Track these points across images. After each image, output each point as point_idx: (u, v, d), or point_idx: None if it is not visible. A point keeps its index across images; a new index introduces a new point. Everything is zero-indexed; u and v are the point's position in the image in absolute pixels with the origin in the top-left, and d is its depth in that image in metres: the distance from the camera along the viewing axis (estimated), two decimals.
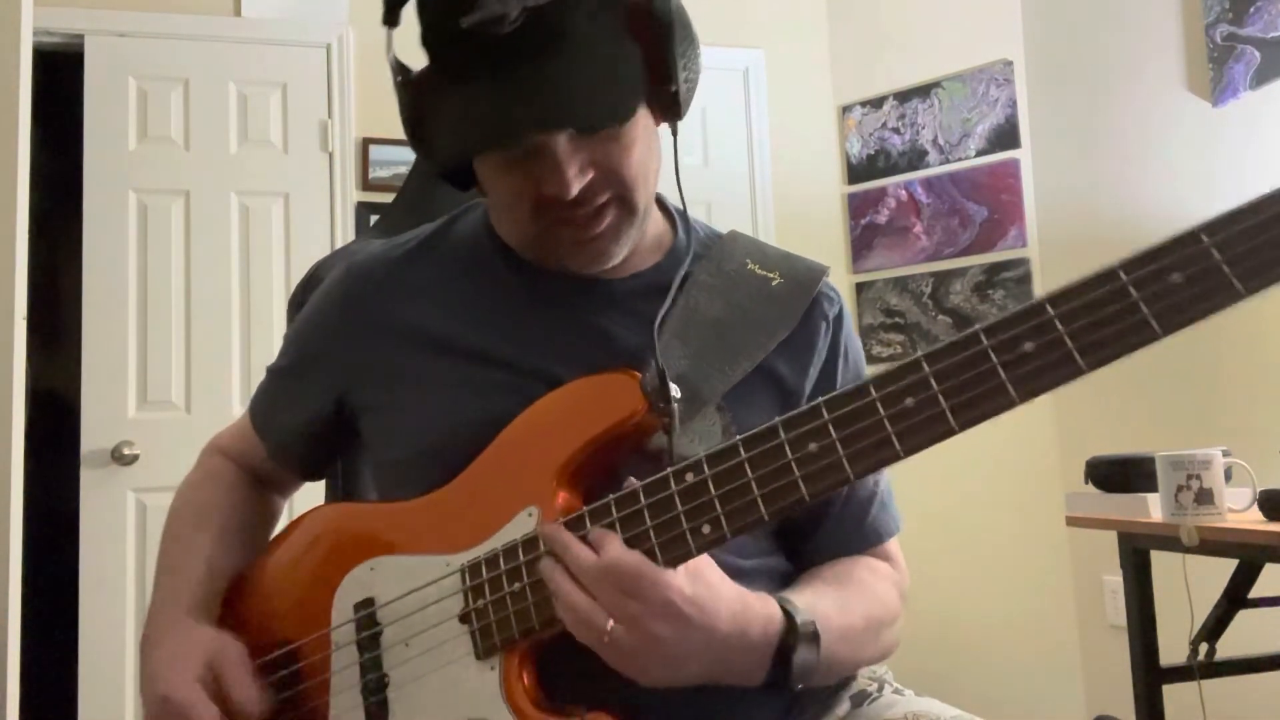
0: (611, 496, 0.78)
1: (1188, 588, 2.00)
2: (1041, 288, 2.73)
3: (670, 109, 0.87)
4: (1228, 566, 2.00)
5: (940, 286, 3.20)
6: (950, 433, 0.68)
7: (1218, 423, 2.44)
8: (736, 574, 0.79)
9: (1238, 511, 1.82)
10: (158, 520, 1.01)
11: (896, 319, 3.27)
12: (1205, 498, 1.78)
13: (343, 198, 3.00)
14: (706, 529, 0.74)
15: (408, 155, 2.86)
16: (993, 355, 0.67)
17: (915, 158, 3.29)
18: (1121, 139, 2.80)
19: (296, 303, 1.31)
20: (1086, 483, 2.08)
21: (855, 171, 3.41)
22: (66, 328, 3.03)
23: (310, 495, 1.17)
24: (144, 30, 2.92)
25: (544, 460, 0.83)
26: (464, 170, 0.90)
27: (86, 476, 2.74)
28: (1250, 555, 1.87)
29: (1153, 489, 1.90)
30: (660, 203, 0.99)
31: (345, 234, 2.97)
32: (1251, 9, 2.40)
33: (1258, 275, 0.61)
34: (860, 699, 0.94)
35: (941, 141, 3.24)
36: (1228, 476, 1.82)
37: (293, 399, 1.01)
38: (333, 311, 0.97)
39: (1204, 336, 2.49)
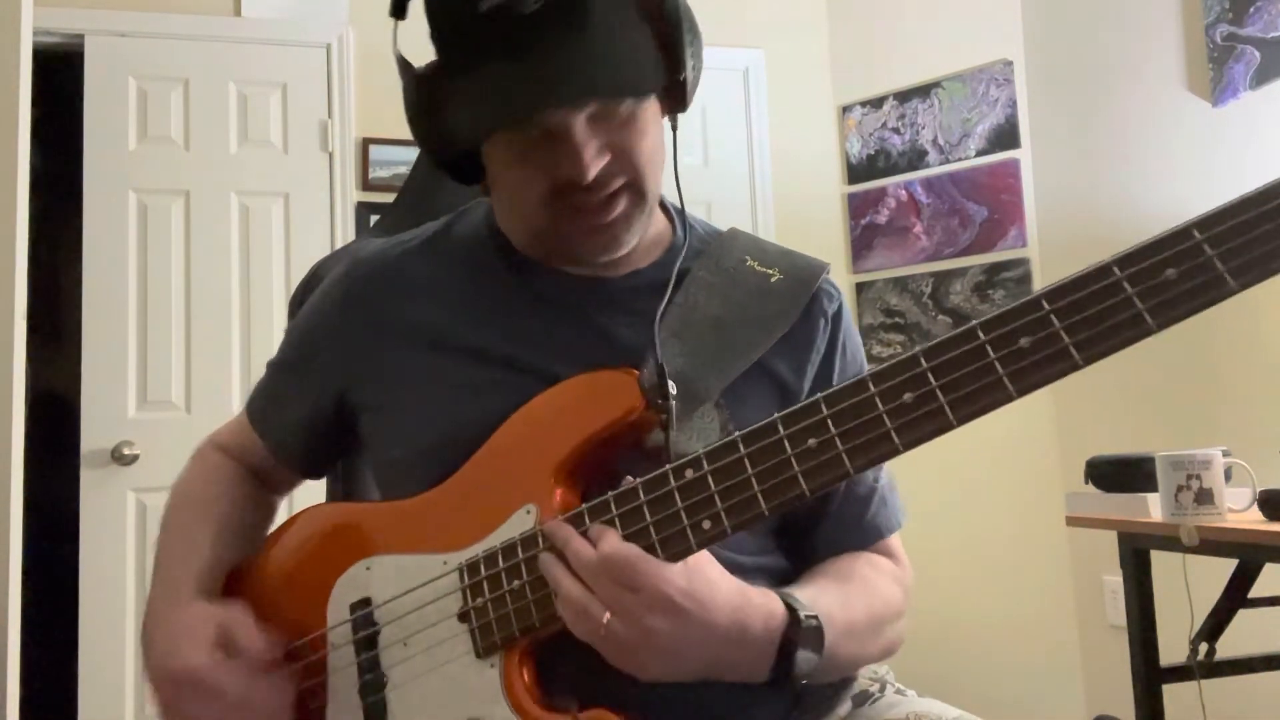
0: (611, 493, 0.78)
1: (1188, 588, 2.00)
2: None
3: (676, 100, 0.88)
4: (1228, 566, 1.99)
5: (940, 286, 3.20)
6: (948, 427, 0.69)
7: (1218, 423, 2.44)
8: (735, 571, 0.79)
9: (1238, 511, 1.82)
10: (158, 520, 1.01)
11: (896, 319, 3.27)
12: (1205, 498, 1.78)
13: (343, 198, 3.00)
14: (706, 524, 0.75)
15: (408, 155, 2.86)
16: (990, 350, 0.68)
17: (915, 158, 3.29)
18: (1121, 139, 2.80)
19: (297, 303, 1.31)
20: (1086, 483, 2.08)
21: (855, 171, 3.41)
22: (66, 328, 3.03)
23: (311, 495, 1.17)
24: (144, 30, 2.92)
25: (542, 458, 0.83)
26: (472, 163, 0.90)
27: (86, 476, 2.74)
28: (1250, 555, 1.87)
29: (1153, 489, 1.90)
30: (659, 201, 0.99)
31: (345, 234, 2.97)
32: (1251, 9, 2.40)
33: (1249, 270, 0.63)
34: (862, 699, 0.94)
35: (941, 141, 3.24)
36: (1228, 476, 1.82)
37: (293, 395, 1.00)
38: (334, 309, 0.97)
39: (1204, 336, 2.50)
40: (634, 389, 0.82)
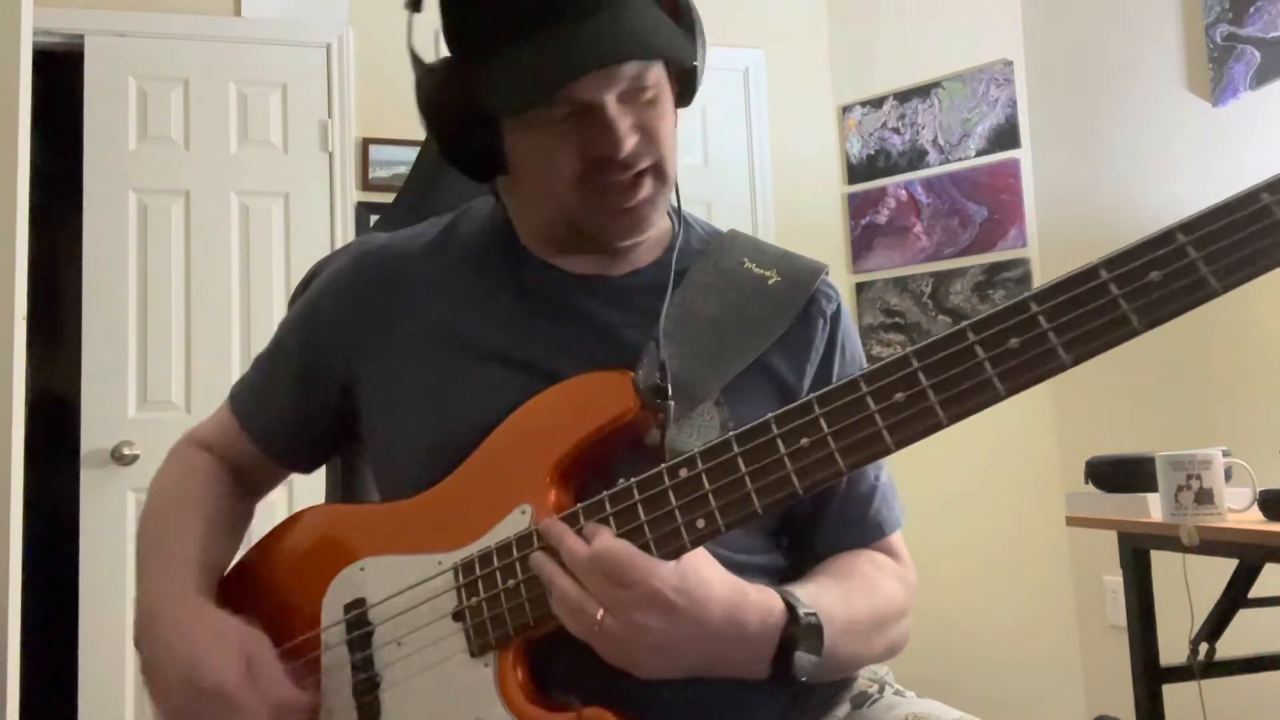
0: (606, 493, 0.79)
1: (1188, 588, 2.00)
2: None
3: (684, 90, 0.91)
4: (1228, 566, 1.99)
5: (940, 286, 3.20)
6: (939, 426, 0.70)
7: (1218, 423, 2.44)
8: (735, 570, 0.79)
9: (1238, 511, 1.81)
10: None
11: (896, 319, 3.27)
12: (1205, 498, 1.78)
13: (343, 198, 3.00)
14: (701, 522, 0.75)
15: (408, 155, 2.87)
16: (979, 350, 0.69)
17: (915, 158, 3.29)
18: (1121, 139, 2.79)
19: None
20: (1086, 483, 2.08)
21: (855, 171, 3.40)
22: (66, 328, 3.03)
23: (311, 495, 1.17)
24: (144, 30, 2.92)
25: (537, 459, 0.83)
26: (489, 156, 0.89)
27: (86, 476, 2.74)
28: (1250, 555, 1.87)
29: (1153, 489, 1.89)
30: None
31: (345, 234, 2.97)
32: (1251, 9, 2.39)
33: (1233, 273, 0.64)
34: (861, 700, 0.94)
35: (941, 141, 3.24)
36: (1228, 476, 1.81)
37: (285, 385, 0.99)
38: (339, 299, 0.97)
39: (1204, 337, 2.49)
40: (629, 390, 0.82)
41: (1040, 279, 3.00)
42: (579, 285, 0.92)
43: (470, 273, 0.95)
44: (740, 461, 0.75)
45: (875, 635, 0.87)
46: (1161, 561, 2.03)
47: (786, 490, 0.73)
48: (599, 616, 0.73)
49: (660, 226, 0.97)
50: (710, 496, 0.75)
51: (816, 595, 0.81)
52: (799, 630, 0.77)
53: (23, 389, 1.96)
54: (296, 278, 1.81)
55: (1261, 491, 1.77)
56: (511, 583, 0.80)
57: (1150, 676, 2.03)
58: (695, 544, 0.76)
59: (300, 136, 3.00)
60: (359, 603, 0.87)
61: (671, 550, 0.76)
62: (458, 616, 0.82)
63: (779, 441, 0.74)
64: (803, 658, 0.77)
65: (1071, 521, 2.15)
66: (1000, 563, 3.03)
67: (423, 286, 0.94)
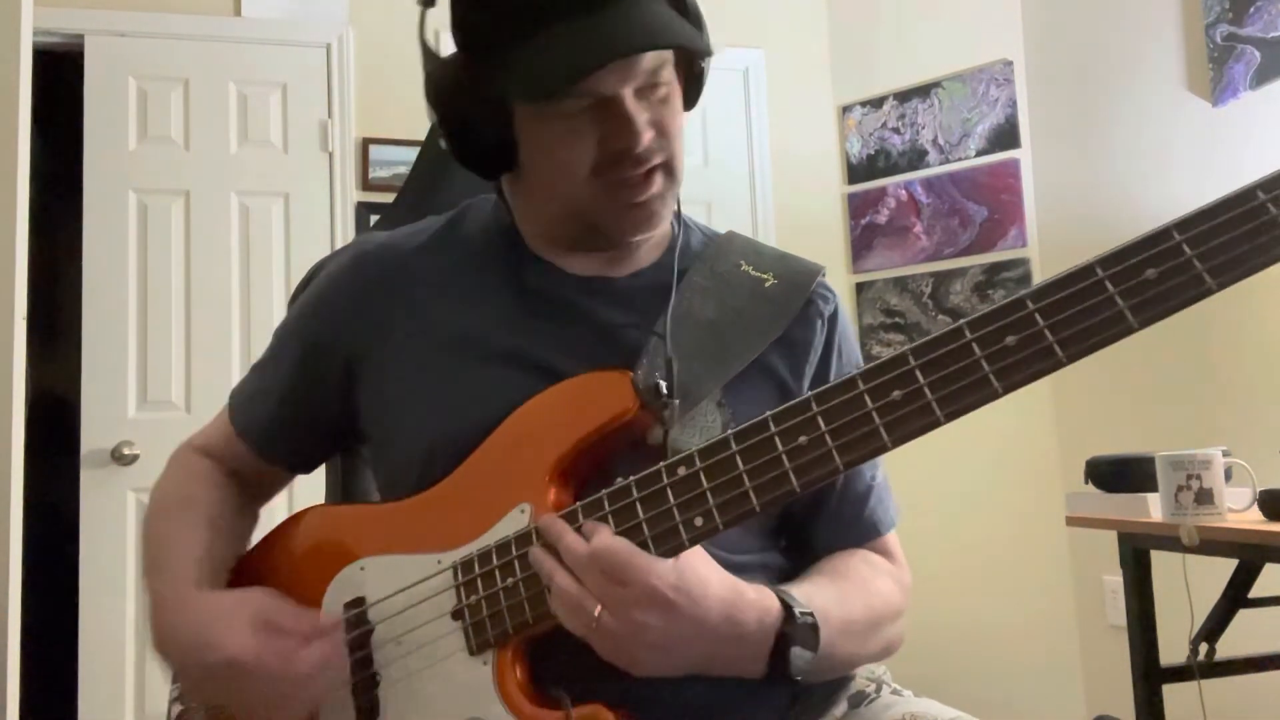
0: (604, 491, 0.79)
1: (1188, 588, 2.00)
2: None
3: (690, 91, 0.92)
4: (1228, 566, 1.99)
5: (940, 286, 3.20)
6: (936, 424, 0.70)
7: (1218, 423, 2.44)
8: (733, 570, 0.79)
9: (1238, 511, 1.81)
10: None
11: (896, 319, 3.27)
12: (1205, 498, 1.78)
13: (343, 198, 3.00)
14: (699, 521, 0.75)
15: (408, 155, 2.87)
16: (976, 348, 0.69)
17: (915, 158, 3.29)
18: (1121, 139, 2.79)
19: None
20: (1086, 483, 2.08)
21: (855, 171, 3.40)
22: (66, 328, 3.03)
23: (311, 495, 1.17)
24: (144, 30, 2.92)
25: (536, 458, 0.83)
26: (499, 152, 0.89)
27: (86, 476, 2.74)
28: (1250, 555, 1.87)
29: (1153, 489, 1.89)
30: None
31: (345, 234, 2.97)
32: (1251, 9, 2.39)
33: (1227, 270, 0.64)
34: (858, 700, 0.94)
35: (941, 141, 3.24)
36: (1228, 476, 1.81)
37: (284, 385, 0.99)
38: (342, 296, 0.96)
39: (1204, 336, 2.50)
40: (628, 389, 0.82)
41: (1040, 279, 2.99)
42: (581, 285, 0.93)
43: (472, 272, 0.95)
44: (738, 460, 0.75)
45: (871, 635, 0.87)
46: (1161, 561, 2.03)
47: (784, 488, 0.74)
48: (597, 614, 0.73)
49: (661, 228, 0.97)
50: (708, 495, 0.75)
51: (812, 595, 0.81)
52: (795, 629, 0.77)
53: (23, 389, 1.96)
54: (296, 278, 1.81)
55: (1261, 491, 1.77)
56: (510, 581, 0.80)
57: (1150, 676, 2.03)
58: (693, 542, 0.76)
59: (300, 136, 3.00)
60: (359, 601, 0.87)
61: (669, 548, 0.76)
62: (457, 615, 0.82)
63: (776, 440, 0.74)
64: (799, 656, 0.78)
65: (1071, 521, 2.15)
66: (1000, 563, 3.03)
67: (423, 286, 0.94)
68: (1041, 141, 3.09)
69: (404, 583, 0.85)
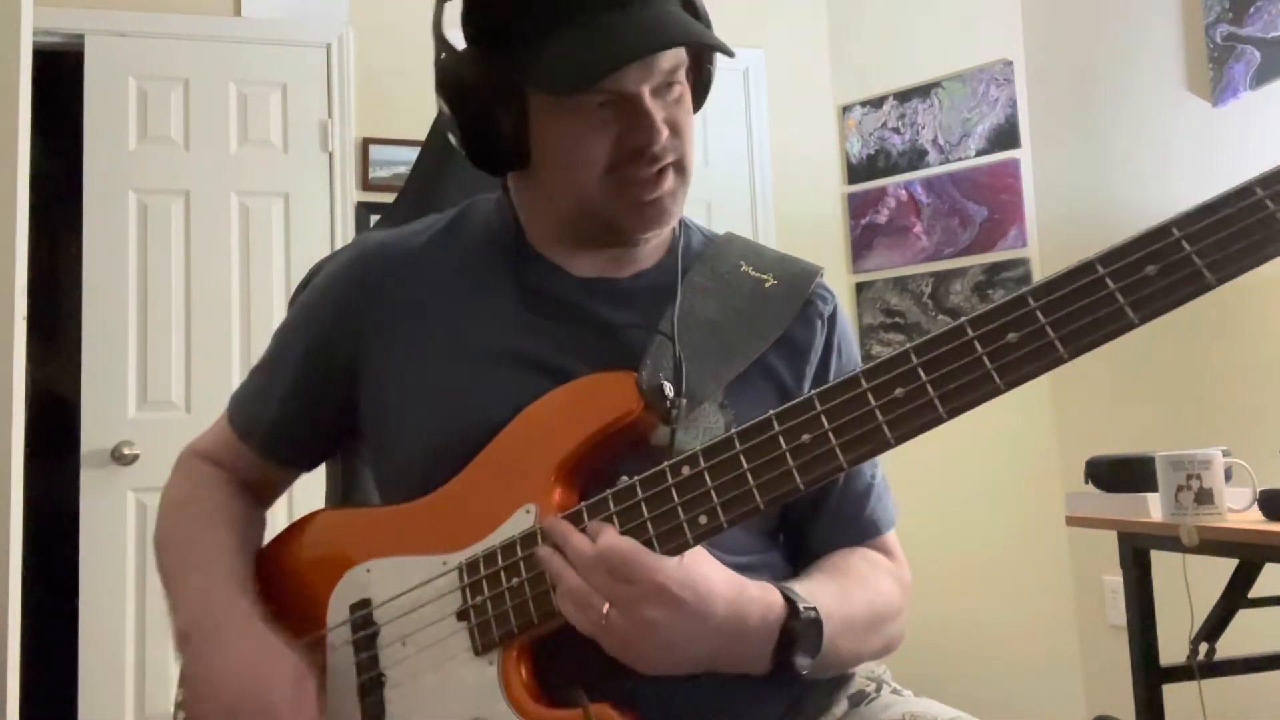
0: (609, 491, 0.79)
1: (1188, 588, 2.00)
2: None
3: (697, 95, 0.93)
4: (1228, 566, 1.99)
5: (940, 286, 3.20)
6: (939, 421, 0.71)
7: (1218, 423, 2.44)
8: (734, 570, 0.79)
9: (1238, 511, 1.81)
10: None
11: (896, 319, 3.27)
12: (1205, 498, 1.78)
13: (343, 198, 3.00)
14: (703, 519, 0.76)
15: (408, 155, 2.87)
16: (978, 346, 0.70)
17: (915, 158, 3.29)
18: (1121, 139, 2.79)
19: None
20: (1086, 483, 2.08)
21: (855, 171, 3.41)
22: (66, 328, 3.03)
23: (311, 495, 1.17)
24: (144, 30, 2.92)
25: (541, 459, 0.83)
26: (512, 148, 0.89)
27: (86, 476, 2.74)
28: (1250, 555, 1.87)
29: (1153, 489, 1.90)
30: None
31: (345, 234, 2.97)
32: (1251, 9, 2.40)
33: (1226, 266, 0.65)
34: (858, 699, 0.94)
35: (941, 141, 3.24)
36: (1228, 476, 1.81)
37: (285, 385, 0.98)
38: (344, 295, 0.96)
39: (1205, 336, 2.50)
40: (632, 390, 0.83)
41: (1040, 279, 2.99)
42: (583, 286, 0.93)
43: (474, 271, 0.95)
44: (742, 458, 0.75)
45: (872, 632, 0.87)
46: (1161, 561, 2.03)
47: (788, 486, 0.74)
48: (604, 610, 0.73)
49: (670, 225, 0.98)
50: (712, 493, 0.76)
51: (815, 592, 0.82)
52: (799, 625, 0.78)
53: (23, 389, 1.96)
54: (296, 278, 1.81)
55: (1261, 491, 1.77)
56: (515, 581, 0.80)
57: (1150, 676, 2.03)
58: (697, 540, 0.76)
59: (300, 136, 3.00)
60: (364, 603, 0.87)
61: (674, 547, 0.76)
62: (462, 615, 0.83)
63: (780, 438, 0.75)
64: (802, 652, 0.78)
65: (1071, 521, 2.15)
66: (1000, 563, 3.03)
67: (424, 285, 0.94)
68: (1041, 141, 3.09)
69: (410, 584, 0.85)
